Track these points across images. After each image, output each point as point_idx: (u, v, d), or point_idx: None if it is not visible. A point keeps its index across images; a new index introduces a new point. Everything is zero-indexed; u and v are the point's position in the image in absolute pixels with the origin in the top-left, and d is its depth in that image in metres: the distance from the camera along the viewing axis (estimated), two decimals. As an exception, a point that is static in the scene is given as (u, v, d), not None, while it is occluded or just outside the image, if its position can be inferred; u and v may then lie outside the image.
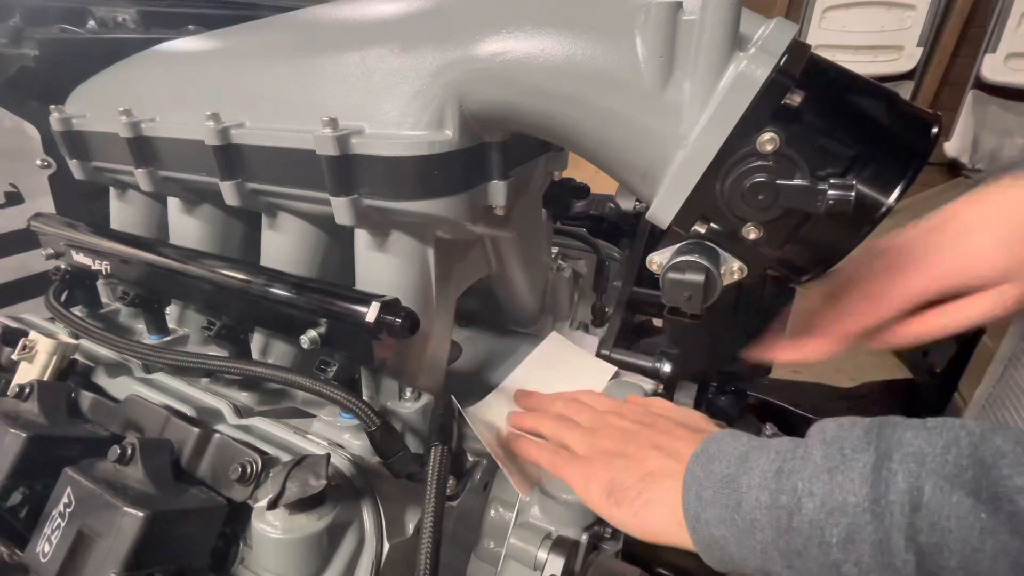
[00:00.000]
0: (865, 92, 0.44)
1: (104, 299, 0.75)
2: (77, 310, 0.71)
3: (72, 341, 0.59)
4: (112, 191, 0.77)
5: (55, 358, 0.57)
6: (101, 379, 0.62)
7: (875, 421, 0.35)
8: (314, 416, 0.58)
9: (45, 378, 0.56)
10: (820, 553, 0.31)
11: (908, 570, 0.28)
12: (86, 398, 0.55)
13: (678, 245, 0.48)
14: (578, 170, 0.81)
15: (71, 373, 0.60)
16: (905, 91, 2.74)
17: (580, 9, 0.46)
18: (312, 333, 0.50)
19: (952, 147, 2.72)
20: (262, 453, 0.46)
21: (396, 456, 0.47)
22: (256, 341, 0.64)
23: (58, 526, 0.41)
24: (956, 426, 0.30)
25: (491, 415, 0.60)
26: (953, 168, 2.78)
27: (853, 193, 0.39)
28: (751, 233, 0.44)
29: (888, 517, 0.29)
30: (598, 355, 0.82)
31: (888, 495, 0.30)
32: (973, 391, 1.28)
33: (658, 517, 0.41)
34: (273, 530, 0.42)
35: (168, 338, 0.68)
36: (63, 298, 0.67)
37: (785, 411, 1.06)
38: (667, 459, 0.44)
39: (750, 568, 0.36)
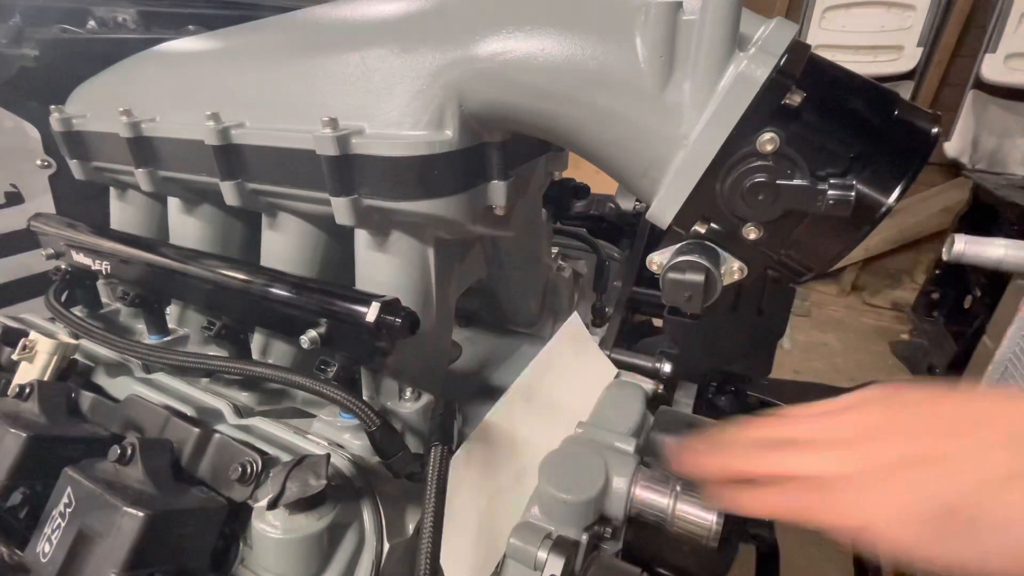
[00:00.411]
0: (865, 92, 0.44)
1: (104, 299, 0.75)
2: (77, 310, 0.71)
3: (72, 341, 0.59)
4: (112, 191, 0.77)
5: (55, 358, 0.57)
6: (101, 379, 0.62)
7: None
8: (314, 416, 0.58)
9: (45, 378, 0.56)
10: None
11: None
12: (86, 398, 0.55)
13: (678, 245, 0.48)
14: (578, 170, 0.81)
15: (71, 373, 0.60)
16: (905, 91, 2.74)
17: (580, 9, 0.46)
18: (312, 333, 0.50)
19: (952, 147, 2.72)
20: (262, 453, 0.46)
21: (396, 456, 0.47)
22: (256, 341, 0.64)
23: (58, 526, 0.41)
24: None
25: (511, 424, 0.57)
26: (953, 168, 2.78)
27: (853, 193, 0.39)
28: (751, 233, 0.44)
29: None
30: (598, 355, 0.81)
31: None
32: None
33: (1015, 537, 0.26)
34: (273, 530, 0.42)
35: (168, 338, 0.68)
36: (63, 298, 0.67)
37: (785, 411, 1.06)
38: (1006, 450, 0.28)
39: None
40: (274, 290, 0.53)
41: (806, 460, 0.33)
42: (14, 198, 0.87)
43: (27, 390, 0.51)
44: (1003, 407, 0.30)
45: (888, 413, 0.33)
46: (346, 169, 0.49)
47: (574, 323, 0.80)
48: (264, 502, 0.42)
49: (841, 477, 0.31)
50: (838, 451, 0.32)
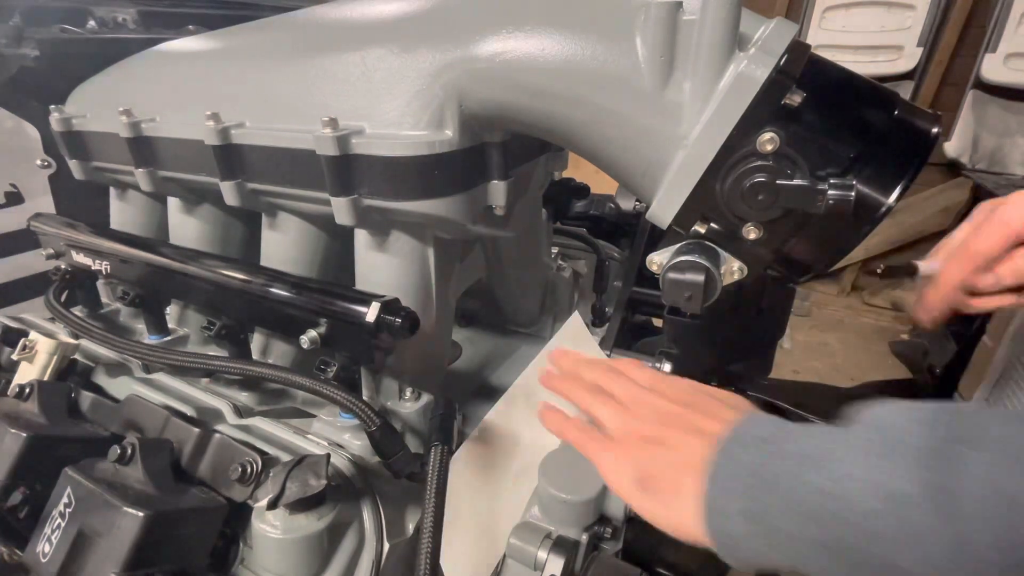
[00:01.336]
0: (865, 92, 0.44)
1: (104, 299, 0.75)
2: (77, 310, 0.71)
3: (72, 341, 0.59)
4: (112, 191, 0.77)
5: (55, 358, 0.57)
6: (101, 379, 0.62)
7: (936, 404, 0.31)
8: (314, 416, 0.58)
9: (45, 378, 0.56)
10: (874, 546, 0.28)
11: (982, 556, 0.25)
12: (86, 398, 0.55)
13: (678, 245, 0.48)
14: (578, 170, 0.81)
15: (71, 373, 0.60)
16: (905, 91, 2.74)
17: (580, 9, 0.46)
18: (312, 333, 0.50)
19: (952, 147, 2.71)
20: (262, 453, 0.46)
21: (396, 456, 0.47)
22: (256, 341, 0.64)
23: (58, 526, 0.41)
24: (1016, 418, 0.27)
25: (511, 423, 0.57)
26: (953, 168, 2.78)
27: (853, 193, 0.39)
28: (751, 233, 0.44)
29: (965, 517, 0.26)
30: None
31: (954, 482, 0.26)
32: (973, 391, 1.28)
33: (689, 510, 0.37)
34: (273, 530, 0.42)
35: (168, 338, 0.68)
36: (63, 298, 0.67)
37: (785, 411, 1.06)
38: (705, 447, 0.39)
39: (780, 564, 0.33)
40: (274, 290, 0.53)
41: (600, 410, 0.46)
42: (14, 198, 0.87)
43: (27, 390, 0.51)
44: (723, 413, 0.42)
45: (660, 406, 0.45)
46: (346, 169, 0.49)
47: (575, 322, 0.80)
48: (264, 502, 0.42)
49: (612, 435, 0.44)
50: (619, 413, 0.45)
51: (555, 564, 0.51)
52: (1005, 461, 0.26)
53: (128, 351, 0.57)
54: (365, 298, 0.49)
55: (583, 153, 0.51)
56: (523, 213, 0.70)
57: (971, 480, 0.26)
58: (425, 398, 0.57)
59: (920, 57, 2.75)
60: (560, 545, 0.52)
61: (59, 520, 0.41)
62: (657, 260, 0.48)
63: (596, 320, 0.96)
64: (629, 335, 1.02)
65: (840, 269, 3.04)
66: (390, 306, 0.48)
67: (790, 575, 0.34)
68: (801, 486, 0.31)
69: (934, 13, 2.68)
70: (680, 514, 0.38)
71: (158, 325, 0.67)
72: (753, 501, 0.34)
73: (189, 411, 0.53)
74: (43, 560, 0.40)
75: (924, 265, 0.49)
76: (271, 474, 0.43)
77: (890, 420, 0.31)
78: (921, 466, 0.28)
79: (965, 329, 1.60)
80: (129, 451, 0.43)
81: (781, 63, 0.39)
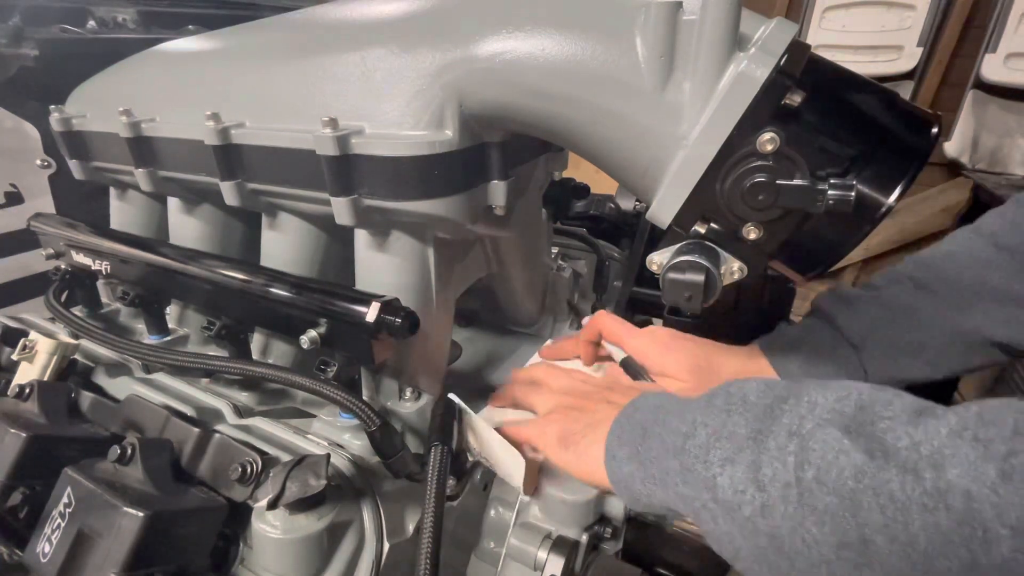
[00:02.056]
0: (865, 92, 0.44)
1: (104, 299, 0.75)
2: (77, 310, 0.71)
3: (72, 341, 0.59)
4: (112, 191, 0.77)
5: (55, 358, 0.57)
6: (101, 379, 0.62)
7: (783, 380, 0.39)
8: (314, 416, 0.58)
9: (45, 378, 0.56)
10: (704, 469, 0.36)
11: (765, 482, 0.32)
12: (86, 398, 0.55)
13: (678, 245, 0.48)
14: (578, 170, 0.81)
15: (71, 373, 0.60)
16: (905, 91, 2.74)
17: (580, 9, 0.46)
18: (312, 333, 0.50)
19: (952, 147, 2.71)
20: (262, 453, 0.46)
21: (396, 456, 0.47)
22: (256, 341, 0.64)
23: (58, 526, 0.41)
24: (852, 387, 0.34)
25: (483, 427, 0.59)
26: (953, 168, 2.78)
27: (853, 193, 0.39)
28: (751, 233, 0.44)
29: (764, 441, 0.33)
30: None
31: (772, 426, 0.34)
32: (973, 391, 1.28)
33: (596, 459, 0.46)
34: (273, 530, 0.42)
35: (168, 338, 0.68)
36: (63, 298, 0.67)
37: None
38: (614, 409, 0.48)
39: (654, 499, 0.41)
40: (274, 290, 0.53)
41: (535, 398, 0.59)
42: (14, 198, 0.87)
43: (27, 390, 0.51)
44: (634, 391, 0.52)
45: (583, 387, 0.58)
46: (346, 169, 0.49)
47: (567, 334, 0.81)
48: (264, 502, 0.42)
49: (543, 414, 0.56)
50: (551, 397, 0.57)
51: (555, 564, 0.51)
52: (809, 416, 0.33)
53: (128, 351, 0.57)
54: (365, 298, 0.49)
55: (583, 153, 0.51)
56: (523, 213, 0.70)
57: (780, 428, 0.33)
58: (425, 398, 0.57)
59: (920, 57, 2.75)
60: (560, 545, 0.52)
61: (59, 520, 0.41)
62: (657, 260, 0.48)
63: (596, 320, 0.96)
64: (629, 335, 1.02)
65: (840, 269, 3.04)
66: (390, 306, 0.48)
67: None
68: (669, 432, 0.40)
69: (934, 13, 2.68)
70: (589, 463, 0.47)
71: (158, 325, 0.67)
72: (637, 446, 0.42)
73: (189, 411, 0.53)
74: (43, 560, 0.40)
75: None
76: (271, 474, 0.43)
77: (739, 388, 0.39)
78: (749, 416, 0.36)
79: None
80: (129, 451, 0.43)
81: (781, 63, 0.39)
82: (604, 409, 0.50)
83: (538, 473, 0.56)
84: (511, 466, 0.52)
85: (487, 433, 0.53)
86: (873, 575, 0.27)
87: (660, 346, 0.62)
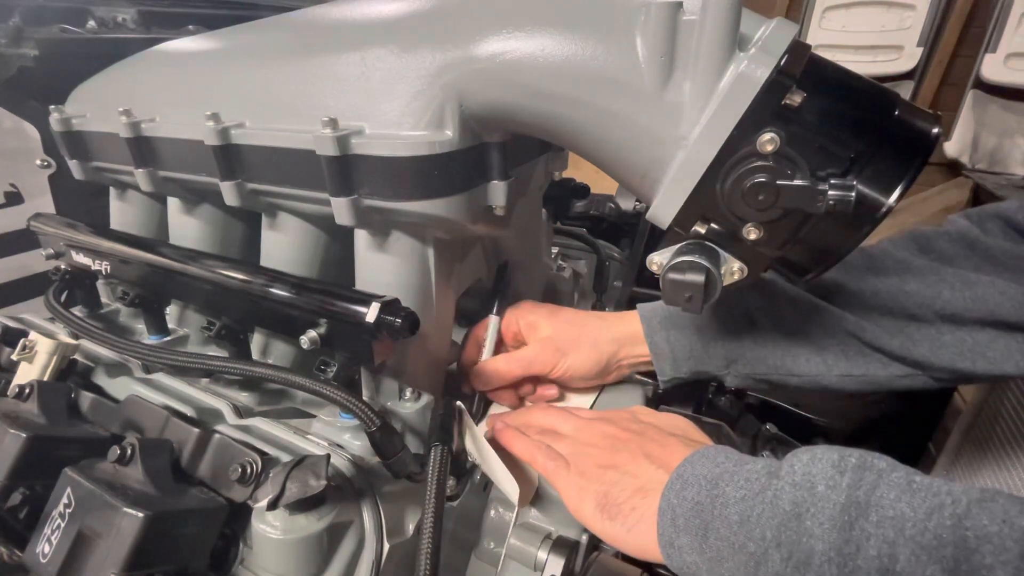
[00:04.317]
0: (865, 92, 0.44)
1: (104, 299, 0.75)
2: (77, 310, 0.70)
3: (72, 341, 0.59)
4: (112, 191, 0.77)
5: (55, 358, 0.57)
6: (101, 379, 0.62)
7: (854, 458, 0.34)
8: (314, 416, 0.58)
9: (45, 378, 0.56)
10: None
11: None
12: (86, 398, 0.55)
13: (678, 245, 0.48)
14: (578, 170, 0.81)
15: (71, 373, 0.60)
16: (905, 91, 2.74)
17: (580, 9, 0.46)
18: (312, 333, 0.50)
19: (952, 147, 2.71)
20: (262, 453, 0.46)
21: (396, 456, 0.47)
22: (256, 341, 0.64)
23: (58, 526, 0.40)
24: (943, 492, 0.30)
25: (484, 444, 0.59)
26: (953, 168, 2.78)
27: (853, 193, 0.39)
28: (751, 233, 0.44)
29: (858, 570, 0.29)
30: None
31: (858, 557, 0.29)
32: (973, 391, 1.28)
33: (649, 535, 0.41)
34: (273, 530, 0.42)
35: (168, 338, 0.68)
36: (63, 298, 0.67)
37: (785, 411, 1.06)
38: (658, 471, 0.44)
39: None
40: (274, 290, 0.53)
41: (558, 445, 0.52)
42: (14, 198, 0.87)
43: (27, 390, 0.51)
44: (668, 443, 0.47)
45: (609, 432, 0.51)
46: (346, 169, 0.49)
47: None
48: (264, 502, 0.42)
49: (569, 463, 0.49)
50: (570, 447, 0.51)
51: (555, 564, 0.51)
52: (900, 541, 0.29)
53: (128, 351, 0.57)
54: (365, 298, 0.49)
55: (583, 153, 0.51)
56: (523, 213, 0.70)
57: (868, 561, 0.29)
58: (425, 398, 0.57)
59: (920, 57, 2.75)
60: (560, 545, 0.52)
61: (59, 520, 0.41)
62: (657, 260, 0.48)
63: (596, 320, 0.96)
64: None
65: (840, 269, 3.03)
66: (390, 306, 0.48)
67: None
68: (733, 538, 0.35)
69: (934, 13, 2.68)
70: (639, 538, 0.42)
71: (158, 325, 0.67)
72: (698, 539, 0.37)
73: (189, 411, 0.53)
74: (43, 561, 0.40)
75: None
76: (271, 474, 0.43)
77: (807, 475, 0.34)
78: (825, 523, 0.31)
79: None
80: (129, 451, 0.43)
81: (781, 63, 0.39)
82: (646, 470, 0.44)
83: (535, 485, 0.56)
84: (507, 482, 0.52)
85: (487, 452, 0.53)
86: None
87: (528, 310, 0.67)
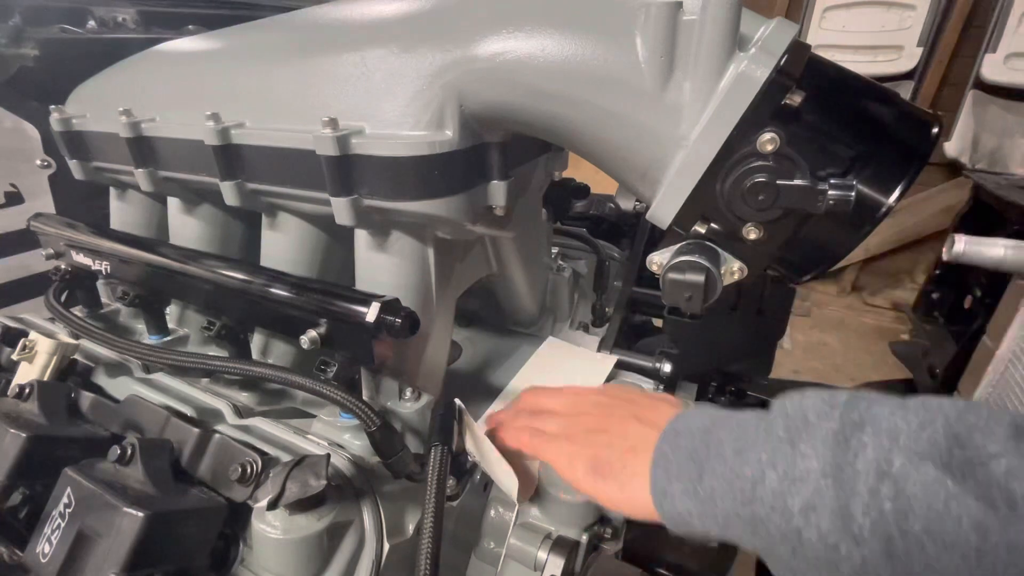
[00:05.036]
0: (865, 92, 0.44)
1: (104, 299, 0.75)
2: (77, 310, 0.70)
3: (72, 341, 0.59)
4: (112, 191, 0.77)
5: (55, 358, 0.57)
6: (101, 379, 0.62)
7: (843, 393, 0.35)
8: (314, 416, 0.58)
9: (45, 378, 0.56)
10: (783, 521, 0.32)
11: (864, 535, 0.28)
12: (86, 398, 0.55)
13: (678, 245, 0.48)
14: (578, 170, 0.81)
15: (71, 373, 0.60)
16: (905, 91, 2.74)
17: (580, 9, 0.46)
18: (312, 333, 0.50)
19: (952, 147, 2.71)
20: (262, 453, 0.46)
21: (396, 456, 0.47)
22: (256, 341, 0.64)
23: (58, 526, 0.40)
24: (933, 407, 0.30)
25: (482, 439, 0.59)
26: (953, 168, 2.78)
27: (853, 193, 0.39)
28: (751, 233, 0.44)
29: (850, 484, 0.29)
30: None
31: (856, 463, 0.30)
32: (973, 391, 1.28)
33: (640, 490, 0.41)
34: (273, 530, 0.42)
35: (168, 338, 0.68)
36: (63, 298, 0.67)
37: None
38: (649, 430, 0.44)
39: (713, 536, 0.37)
40: (274, 290, 0.53)
41: (548, 423, 0.51)
42: (14, 198, 0.87)
43: (27, 390, 0.51)
44: (658, 406, 0.47)
45: (600, 400, 0.51)
46: (346, 169, 0.49)
47: (551, 343, 0.81)
48: (264, 502, 0.42)
49: (558, 434, 0.49)
50: (562, 419, 0.50)
51: (555, 564, 0.51)
52: (896, 449, 0.29)
53: (128, 351, 0.57)
54: (365, 298, 0.49)
55: (583, 153, 0.51)
56: (523, 213, 0.70)
57: (866, 466, 0.29)
58: (425, 398, 0.57)
59: (920, 57, 2.75)
60: (560, 545, 0.52)
61: (59, 520, 0.41)
62: (657, 260, 0.48)
63: (596, 320, 0.96)
64: (629, 335, 1.02)
65: (840, 269, 3.04)
66: (390, 306, 0.48)
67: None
68: (730, 473, 0.35)
69: (934, 13, 2.68)
70: (632, 495, 0.42)
71: (158, 325, 0.67)
72: (692, 482, 0.38)
73: (189, 411, 0.53)
74: (43, 560, 0.40)
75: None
76: (271, 474, 0.43)
77: (799, 409, 0.35)
78: (818, 445, 0.32)
79: (965, 329, 1.60)
80: (129, 451, 0.43)
81: (781, 63, 0.39)
82: (637, 431, 0.45)
83: (535, 481, 0.56)
84: (507, 479, 0.52)
85: (485, 446, 0.53)
86: None
87: None
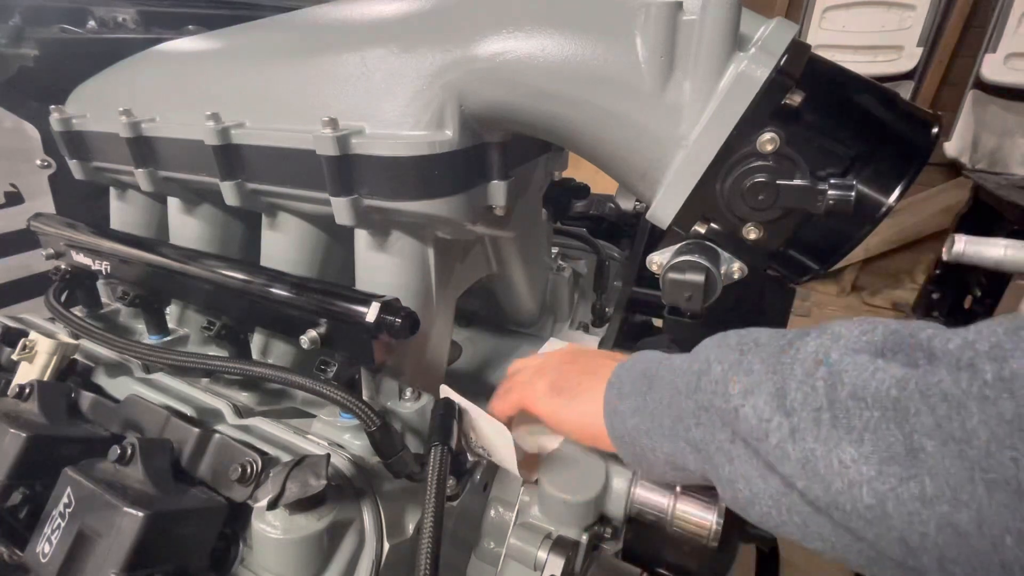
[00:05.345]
0: (865, 92, 0.44)
1: (104, 299, 0.75)
2: (77, 310, 0.70)
3: (72, 341, 0.59)
4: (112, 191, 0.77)
5: (55, 358, 0.57)
6: (101, 379, 0.62)
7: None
8: (314, 416, 0.58)
9: (45, 378, 0.56)
10: (723, 402, 0.34)
11: (795, 407, 0.30)
12: (86, 398, 0.55)
13: (678, 245, 0.48)
14: (578, 170, 0.81)
15: (71, 373, 0.60)
16: (905, 91, 2.74)
17: (580, 9, 0.46)
18: (312, 333, 0.50)
19: (952, 147, 2.71)
20: (262, 453, 0.46)
21: (396, 456, 0.47)
22: (256, 341, 0.64)
23: (58, 526, 0.40)
24: (877, 320, 0.32)
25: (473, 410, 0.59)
26: (953, 168, 2.78)
27: (853, 193, 0.39)
28: (751, 233, 0.44)
29: (788, 370, 0.31)
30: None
31: (796, 356, 0.32)
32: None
33: (589, 404, 0.44)
34: (273, 530, 0.42)
35: (168, 338, 0.68)
36: (63, 298, 0.67)
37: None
38: (613, 363, 0.46)
39: (660, 454, 0.40)
40: (274, 290, 0.53)
41: (520, 379, 0.55)
42: (14, 198, 0.87)
43: (27, 390, 0.51)
44: (600, 358, 0.52)
45: (577, 347, 0.57)
46: (346, 169, 0.49)
47: (552, 344, 0.81)
48: (264, 502, 0.42)
49: (528, 381, 0.52)
50: (531, 373, 0.54)
51: (555, 564, 0.51)
52: (835, 347, 0.31)
53: (128, 351, 0.57)
54: (365, 298, 0.49)
55: (583, 153, 0.51)
56: (523, 213, 0.70)
57: (806, 357, 0.32)
58: (425, 398, 0.57)
59: (920, 57, 2.75)
60: (560, 545, 0.52)
61: (59, 520, 0.41)
62: (657, 260, 0.48)
63: (596, 320, 0.96)
64: (629, 335, 1.02)
65: (840, 269, 3.04)
66: (390, 306, 0.48)
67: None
68: (679, 374, 0.38)
69: (934, 13, 2.68)
70: (580, 407, 0.46)
71: (158, 325, 0.67)
72: (641, 396, 0.41)
73: (189, 411, 0.53)
74: (43, 560, 0.40)
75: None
76: (271, 474, 0.43)
77: (750, 332, 0.37)
78: (765, 355, 0.34)
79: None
80: (129, 451, 0.43)
81: (781, 63, 0.39)
82: (602, 362, 0.48)
83: (537, 462, 0.56)
84: (504, 449, 0.52)
85: (477, 417, 0.53)
86: (920, 487, 0.25)
87: None
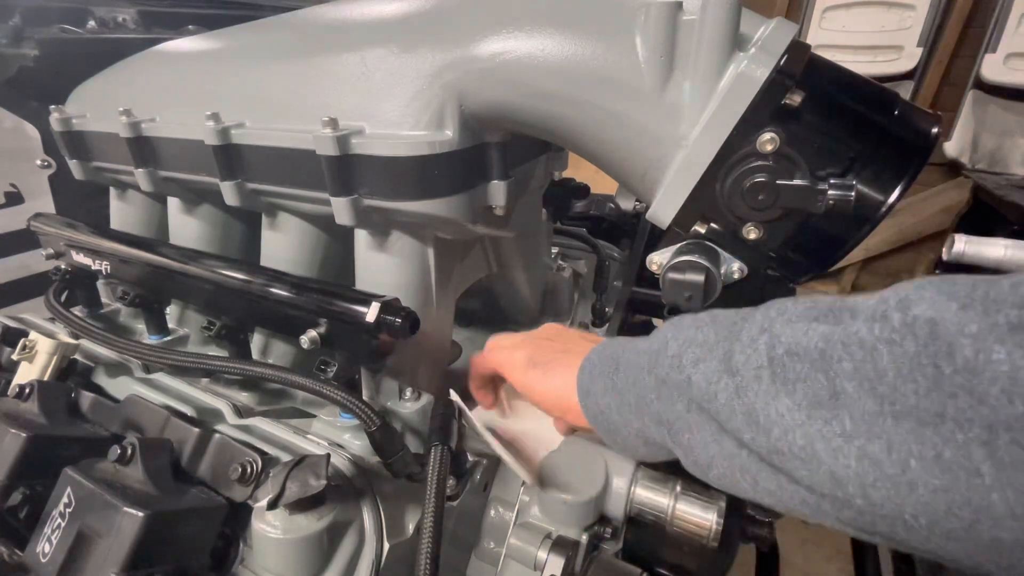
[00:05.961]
0: (865, 92, 0.44)
1: (104, 299, 0.75)
2: (77, 310, 0.70)
3: (72, 341, 0.59)
4: (112, 191, 0.77)
5: (55, 358, 0.57)
6: (101, 379, 0.62)
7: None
8: (314, 416, 0.58)
9: (45, 378, 0.56)
10: (677, 374, 0.36)
11: (739, 368, 0.33)
12: (86, 398, 0.55)
13: (678, 245, 0.48)
14: (578, 170, 0.81)
15: (71, 373, 0.60)
16: (905, 91, 2.74)
17: (580, 9, 0.46)
18: (312, 333, 0.50)
19: (952, 147, 2.71)
20: (262, 453, 0.46)
21: (396, 456, 0.47)
22: (256, 341, 0.64)
23: (58, 526, 0.41)
24: (826, 299, 0.34)
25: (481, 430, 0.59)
26: (953, 168, 2.78)
27: (853, 193, 0.39)
28: (751, 233, 0.44)
29: (735, 338, 0.34)
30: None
31: (743, 327, 0.34)
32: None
33: (562, 378, 0.47)
34: (273, 530, 0.42)
35: (168, 338, 0.68)
36: (63, 298, 0.67)
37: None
38: (591, 345, 0.49)
39: (631, 429, 0.42)
40: (274, 290, 0.53)
41: (501, 344, 0.56)
42: (14, 198, 0.87)
43: (27, 390, 0.51)
44: (577, 338, 0.54)
45: (559, 326, 0.58)
46: (346, 169, 0.49)
47: None
48: (264, 502, 0.42)
49: (508, 350, 0.54)
50: (512, 344, 0.55)
51: (555, 564, 0.51)
52: (780, 318, 0.33)
53: (128, 351, 0.57)
54: (365, 298, 0.49)
55: (583, 153, 0.51)
56: (523, 213, 0.70)
57: (752, 326, 0.34)
58: (425, 398, 0.57)
59: (920, 57, 2.75)
60: (560, 545, 0.52)
61: (59, 520, 0.41)
62: (657, 260, 0.48)
63: (596, 320, 0.96)
64: (629, 335, 1.02)
65: (840, 269, 3.04)
66: (390, 306, 0.48)
67: None
68: (641, 354, 0.40)
69: (934, 13, 2.68)
70: (554, 380, 0.48)
71: (158, 325, 0.67)
72: (610, 376, 0.43)
73: (189, 411, 0.53)
74: (43, 560, 0.40)
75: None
76: (271, 474, 0.43)
77: (708, 312, 0.40)
78: (718, 328, 0.36)
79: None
80: (129, 451, 0.43)
81: (781, 63, 0.39)
82: (581, 342, 0.51)
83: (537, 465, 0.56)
84: (510, 462, 0.53)
85: (484, 434, 0.53)
86: (841, 426, 0.28)
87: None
